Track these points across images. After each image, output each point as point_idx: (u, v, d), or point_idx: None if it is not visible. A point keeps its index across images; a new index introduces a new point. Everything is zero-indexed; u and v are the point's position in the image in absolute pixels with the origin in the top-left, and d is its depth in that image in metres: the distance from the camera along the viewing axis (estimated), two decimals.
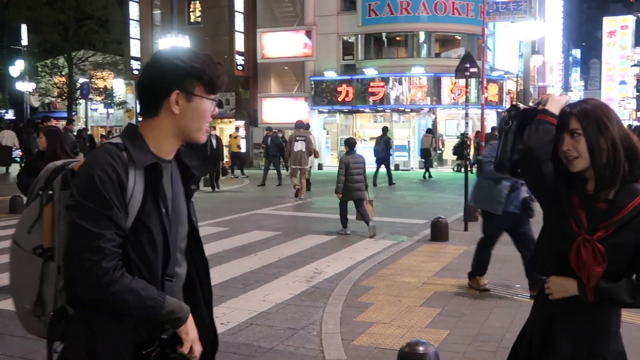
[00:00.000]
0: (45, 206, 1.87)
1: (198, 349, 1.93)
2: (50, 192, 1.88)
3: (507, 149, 2.41)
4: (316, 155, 17.73)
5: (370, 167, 27.79)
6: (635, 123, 39.48)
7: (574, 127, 2.18)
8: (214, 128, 21.11)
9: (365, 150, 30.28)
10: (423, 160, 25.19)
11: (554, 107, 2.27)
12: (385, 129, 22.20)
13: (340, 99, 29.95)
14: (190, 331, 1.90)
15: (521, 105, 2.45)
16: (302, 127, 16.49)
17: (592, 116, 2.17)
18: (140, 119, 2.01)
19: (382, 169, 20.99)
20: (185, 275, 2.04)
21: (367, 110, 30.78)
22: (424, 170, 24.25)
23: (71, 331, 1.85)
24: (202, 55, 1.93)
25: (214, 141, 18.78)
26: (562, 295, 2.23)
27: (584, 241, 2.15)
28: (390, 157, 22.01)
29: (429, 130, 26.20)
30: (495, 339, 5.14)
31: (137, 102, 1.97)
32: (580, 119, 2.17)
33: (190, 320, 1.91)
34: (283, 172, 20.57)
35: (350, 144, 11.00)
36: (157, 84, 1.89)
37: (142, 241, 1.82)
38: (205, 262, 2.12)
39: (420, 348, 3.97)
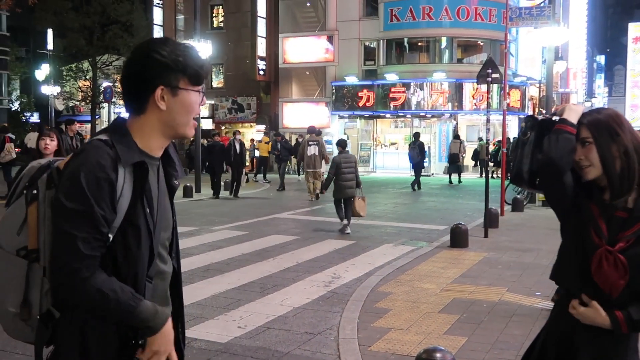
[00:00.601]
0: (30, 206, 1.80)
1: None
2: (35, 191, 1.80)
3: (526, 161, 2.39)
4: (327, 160, 18.00)
5: (397, 172, 27.70)
6: None
7: (585, 136, 2.16)
8: (239, 132, 20.04)
9: (386, 156, 30.55)
10: (448, 165, 25.15)
11: (572, 117, 2.26)
12: (417, 135, 22.41)
13: (361, 104, 29.95)
14: (156, 344, 1.80)
15: (539, 116, 2.43)
16: (314, 132, 17.39)
17: (602, 124, 2.15)
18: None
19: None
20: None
21: (387, 115, 30.72)
22: (449, 176, 24.47)
23: (62, 334, 1.79)
24: (181, 46, 1.85)
25: (237, 145, 18.13)
26: (589, 323, 2.19)
27: (606, 252, 2.11)
28: (425, 162, 22.65)
29: (457, 136, 26.11)
30: (514, 347, 5.09)
31: (123, 99, 1.89)
32: (591, 128, 2.16)
33: (163, 333, 1.81)
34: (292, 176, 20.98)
35: (341, 144, 11.72)
36: (139, 81, 1.81)
37: (129, 242, 1.76)
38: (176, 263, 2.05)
39: (438, 355, 3.94)
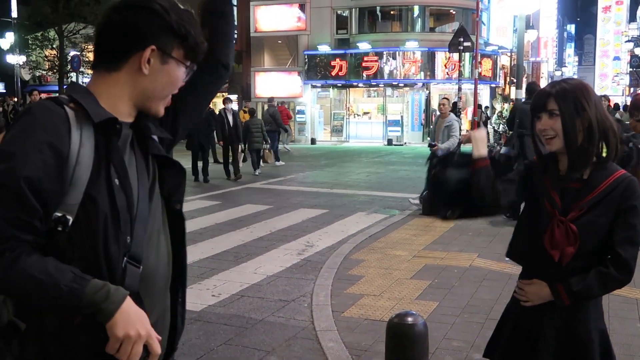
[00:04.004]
0: None
1: (139, 349, 1.45)
2: None
3: (441, 195, 2.49)
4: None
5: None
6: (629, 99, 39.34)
7: (552, 108, 2.18)
8: (230, 100, 15.87)
9: (359, 125, 30.51)
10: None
11: (481, 147, 2.32)
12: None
13: (333, 73, 29.82)
14: (119, 328, 1.42)
15: (439, 153, 2.53)
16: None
17: (570, 97, 2.17)
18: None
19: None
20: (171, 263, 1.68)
21: (360, 84, 30.68)
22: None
23: (25, 351, 1.47)
24: (186, 12, 1.57)
25: (230, 117, 14.72)
26: (539, 302, 2.27)
27: (558, 222, 2.18)
28: None
29: (479, 105, 26.15)
30: (484, 310, 5.20)
31: (95, 51, 1.56)
32: (559, 100, 2.17)
33: (124, 313, 1.42)
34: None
35: (250, 112, 16.35)
36: (129, 33, 1.49)
37: (90, 219, 1.43)
38: (180, 247, 1.71)
39: (409, 319, 4.00)
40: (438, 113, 10.63)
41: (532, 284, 2.28)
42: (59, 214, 1.40)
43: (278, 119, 18.97)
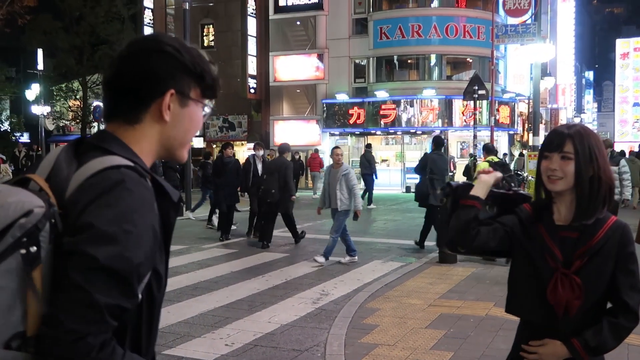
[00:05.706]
0: (34, 271, 1.18)
1: None
2: (35, 248, 1.18)
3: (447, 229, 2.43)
4: None
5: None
6: None
7: (568, 150, 2.14)
8: (260, 146, 13.28)
9: (378, 173, 30.45)
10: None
11: (479, 190, 2.30)
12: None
13: (351, 121, 30.08)
14: None
15: (453, 183, 2.44)
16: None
17: (586, 143, 2.14)
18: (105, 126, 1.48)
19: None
20: None
21: (378, 132, 30.85)
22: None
23: None
24: (194, 49, 1.46)
25: (259, 164, 12.80)
26: None
27: (561, 275, 2.16)
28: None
29: (521, 154, 25.97)
30: None
31: (106, 103, 1.45)
32: (576, 143, 2.14)
33: None
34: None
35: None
36: (145, 80, 1.37)
37: (153, 295, 1.34)
38: None
39: None
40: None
41: (545, 344, 2.23)
42: None
43: (373, 163, 19.69)
